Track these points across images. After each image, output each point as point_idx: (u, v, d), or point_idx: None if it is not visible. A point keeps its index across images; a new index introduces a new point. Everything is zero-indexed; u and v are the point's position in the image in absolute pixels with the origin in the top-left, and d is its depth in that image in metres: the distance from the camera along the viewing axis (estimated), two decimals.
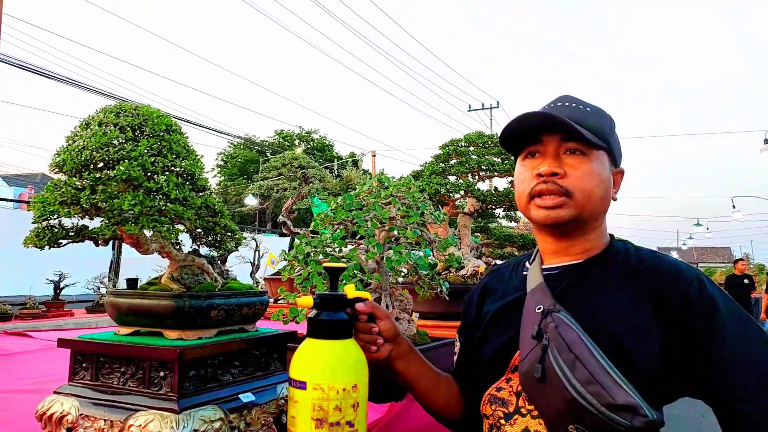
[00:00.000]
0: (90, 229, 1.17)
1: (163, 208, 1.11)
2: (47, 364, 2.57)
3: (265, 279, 5.13)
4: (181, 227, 1.27)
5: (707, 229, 34.14)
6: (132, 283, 1.30)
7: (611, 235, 1.12)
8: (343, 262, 1.96)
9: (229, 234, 1.31)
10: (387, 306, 2.02)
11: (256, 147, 32.26)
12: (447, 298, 2.16)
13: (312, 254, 1.94)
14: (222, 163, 35.30)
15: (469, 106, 27.32)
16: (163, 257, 1.27)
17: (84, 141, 1.10)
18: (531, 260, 1.14)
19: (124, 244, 1.18)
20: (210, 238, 1.35)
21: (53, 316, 5.81)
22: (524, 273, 1.13)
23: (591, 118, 1.05)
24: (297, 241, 2.06)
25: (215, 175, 35.17)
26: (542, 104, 1.15)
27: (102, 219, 1.11)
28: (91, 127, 1.14)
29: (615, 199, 1.10)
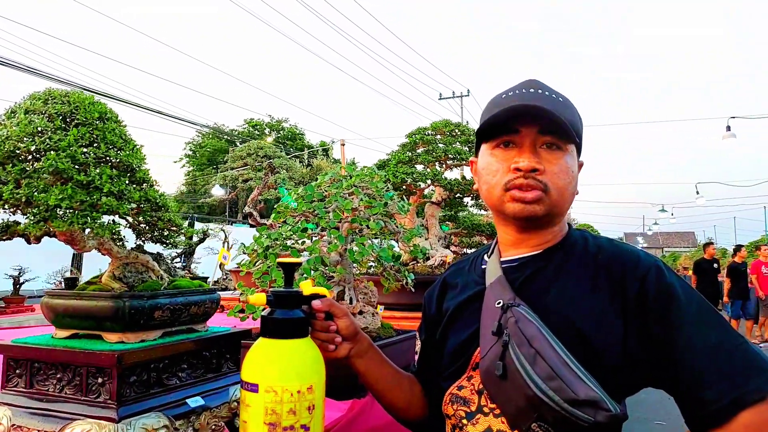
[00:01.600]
0: (20, 225, 1.08)
1: (97, 202, 1.02)
2: None
3: (231, 271, 5.04)
4: (123, 222, 1.19)
5: (672, 214, 35.01)
6: (70, 282, 1.22)
7: (569, 225, 1.10)
8: (305, 256, 1.90)
9: (174, 229, 1.23)
10: (351, 299, 1.97)
11: (225, 136, 31.84)
12: (413, 289, 2.13)
13: (272, 247, 1.87)
14: (190, 152, 34.75)
15: (440, 94, 27.25)
16: (103, 254, 1.19)
17: (8, 130, 1.00)
18: (489, 253, 1.11)
19: None
20: (156, 234, 1.27)
21: (12, 312, 5.61)
22: (483, 267, 1.10)
23: (566, 110, 1.01)
24: (256, 233, 1.98)
25: (183, 165, 34.63)
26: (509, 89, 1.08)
27: (27, 216, 1.02)
28: (18, 115, 1.04)
29: (577, 193, 1.07)
